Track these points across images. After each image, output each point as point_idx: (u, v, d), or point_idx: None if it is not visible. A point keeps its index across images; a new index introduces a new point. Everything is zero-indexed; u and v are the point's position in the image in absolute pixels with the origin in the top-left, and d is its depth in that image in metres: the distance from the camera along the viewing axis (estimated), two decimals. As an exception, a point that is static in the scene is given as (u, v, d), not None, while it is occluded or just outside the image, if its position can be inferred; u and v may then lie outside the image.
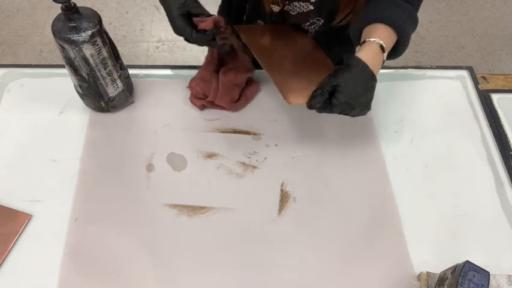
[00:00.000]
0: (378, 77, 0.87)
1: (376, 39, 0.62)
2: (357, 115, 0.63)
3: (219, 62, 0.78)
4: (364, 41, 0.63)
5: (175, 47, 1.97)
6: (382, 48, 0.63)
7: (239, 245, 0.64)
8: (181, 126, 0.77)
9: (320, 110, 0.62)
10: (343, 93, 0.60)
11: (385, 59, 0.64)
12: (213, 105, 0.78)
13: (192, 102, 0.79)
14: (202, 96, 0.78)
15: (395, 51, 0.67)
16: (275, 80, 0.67)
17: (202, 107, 0.79)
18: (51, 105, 0.79)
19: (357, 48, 0.66)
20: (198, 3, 0.65)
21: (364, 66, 0.61)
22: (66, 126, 0.76)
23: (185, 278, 0.61)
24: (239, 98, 0.79)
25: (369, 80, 0.61)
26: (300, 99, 0.64)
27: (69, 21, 0.62)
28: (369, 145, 0.76)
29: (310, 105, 0.62)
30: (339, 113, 0.62)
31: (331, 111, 0.61)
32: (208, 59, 0.78)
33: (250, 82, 0.80)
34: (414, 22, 0.67)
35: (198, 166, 0.72)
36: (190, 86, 0.79)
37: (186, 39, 0.66)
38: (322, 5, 0.72)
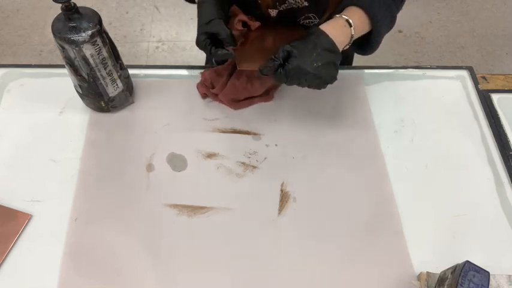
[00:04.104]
0: (377, 76, 0.87)
1: (343, 15, 0.64)
2: (318, 83, 0.63)
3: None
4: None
5: (175, 47, 1.97)
6: (348, 22, 0.64)
7: (239, 245, 0.64)
8: (181, 126, 0.77)
9: (275, 77, 0.63)
10: (296, 57, 0.61)
11: (353, 33, 0.65)
12: (215, 97, 0.79)
13: (197, 87, 0.81)
14: (209, 85, 0.79)
15: (369, 42, 0.68)
16: (236, 50, 0.69)
17: (204, 96, 0.80)
18: (51, 105, 0.79)
19: None
20: (222, 24, 0.66)
21: (322, 33, 0.62)
22: (66, 126, 0.76)
23: (185, 278, 0.61)
24: (244, 99, 0.79)
25: (326, 45, 0.62)
26: (251, 65, 0.67)
27: (69, 21, 0.62)
28: (369, 145, 0.76)
29: (261, 70, 0.63)
30: (298, 83, 0.63)
31: (286, 78, 0.62)
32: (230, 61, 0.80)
33: (266, 92, 0.80)
34: (391, 15, 0.68)
35: (198, 166, 0.72)
36: (202, 74, 0.81)
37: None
38: (317, 4, 0.72)
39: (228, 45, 0.66)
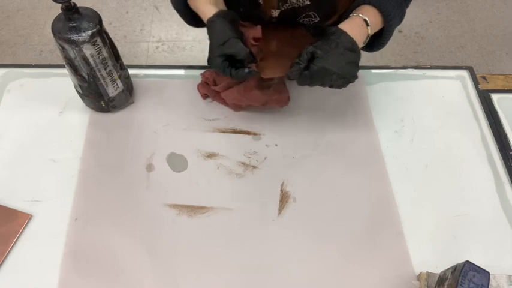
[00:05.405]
0: (377, 76, 0.87)
1: (360, 14, 0.64)
2: (341, 83, 0.63)
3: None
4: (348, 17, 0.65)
5: (175, 47, 1.97)
6: (365, 22, 0.64)
7: (239, 245, 0.64)
8: (181, 126, 0.77)
9: (300, 80, 0.62)
10: (320, 58, 0.60)
11: (369, 32, 0.65)
12: (216, 95, 0.78)
13: (198, 88, 0.80)
14: (212, 83, 0.78)
15: (379, 40, 0.68)
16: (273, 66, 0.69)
17: (204, 96, 0.80)
18: (51, 105, 0.79)
19: None
20: (240, 43, 0.63)
21: (342, 32, 0.62)
22: (66, 126, 0.76)
23: (185, 278, 0.61)
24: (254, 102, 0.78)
25: (347, 45, 0.61)
26: (274, 72, 0.66)
27: (69, 21, 0.62)
28: (369, 145, 0.76)
29: (287, 76, 0.63)
30: (321, 84, 0.62)
31: (311, 80, 0.62)
32: None
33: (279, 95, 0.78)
34: (402, 12, 0.68)
35: (198, 166, 0.72)
36: (203, 74, 0.80)
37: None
38: (320, 3, 0.72)
39: (249, 63, 0.65)
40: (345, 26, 0.63)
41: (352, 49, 0.62)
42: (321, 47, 0.61)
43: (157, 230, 0.65)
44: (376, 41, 0.69)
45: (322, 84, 0.63)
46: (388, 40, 0.69)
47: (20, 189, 0.68)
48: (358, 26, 0.64)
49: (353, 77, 0.63)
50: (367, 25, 0.64)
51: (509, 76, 0.88)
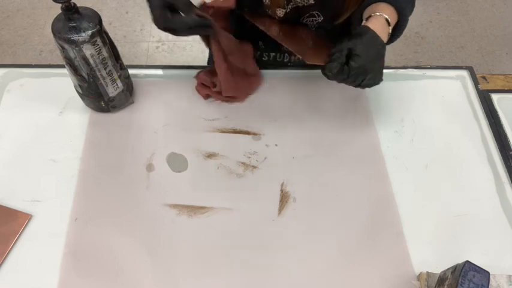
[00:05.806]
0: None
1: (381, 13, 0.64)
2: (371, 83, 0.63)
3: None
4: (370, 16, 0.64)
5: (175, 47, 1.97)
6: (387, 21, 0.64)
7: (239, 245, 0.64)
8: (181, 126, 0.77)
9: (337, 74, 0.61)
10: (360, 57, 0.60)
11: (390, 32, 0.65)
12: (218, 95, 0.79)
13: (197, 90, 0.81)
14: (210, 84, 0.79)
15: (393, 33, 0.68)
16: (290, 45, 0.70)
17: (206, 97, 0.80)
18: (51, 105, 0.79)
19: (363, 23, 0.66)
20: None
21: (374, 33, 0.62)
22: (66, 126, 0.76)
23: (185, 278, 0.61)
24: (244, 84, 0.79)
25: (379, 46, 0.62)
26: (316, 59, 0.66)
27: (69, 21, 0.62)
28: (369, 145, 0.76)
29: (328, 68, 0.61)
30: (354, 81, 0.62)
31: (347, 76, 0.61)
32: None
33: (252, 73, 0.81)
34: (412, 5, 0.68)
35: (198, 166, 0.72)
36: (197, 76, 0.80)
37: (171, 31, 0.64)
38: (324, 3, 0.72)
39: (188, 13, 0.63)
40: (372, 25, 0.63)
41: (382, 52, 0.63)
42: (359, 46, 0.61)
43: (157, 230, 0.65)
44: (391, 36, 0.69)
45: (354, 82, 0.63)
46: (401, 33, 0.69)
47: (20, 189, 0.68)
48: (382, 26, 0.64)
49: (380, 80, 0.64)
50: (389, 24, 0.64)
51: (509, 76, 0.88)
